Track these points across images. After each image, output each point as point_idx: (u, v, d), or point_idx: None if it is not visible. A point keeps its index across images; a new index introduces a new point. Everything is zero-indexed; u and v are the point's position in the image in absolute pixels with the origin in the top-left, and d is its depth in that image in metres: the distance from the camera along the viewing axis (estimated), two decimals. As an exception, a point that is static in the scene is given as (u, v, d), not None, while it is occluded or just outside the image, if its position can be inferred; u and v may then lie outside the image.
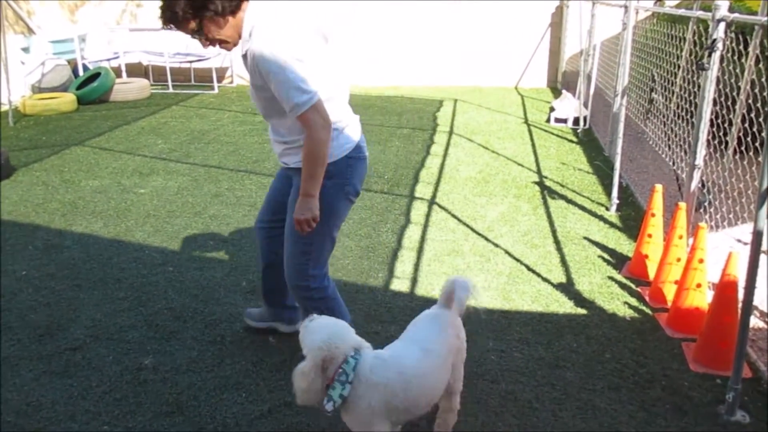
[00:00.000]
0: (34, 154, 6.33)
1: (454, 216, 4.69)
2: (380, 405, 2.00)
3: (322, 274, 2.63)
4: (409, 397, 2.06)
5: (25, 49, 9.20)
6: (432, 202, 4.99)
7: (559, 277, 3.74)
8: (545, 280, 3.70)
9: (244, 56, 2.36)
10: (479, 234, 4.37)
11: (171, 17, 2.29)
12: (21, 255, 4.01)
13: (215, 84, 10.14)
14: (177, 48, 10.29)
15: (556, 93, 9.57)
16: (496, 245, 4.19)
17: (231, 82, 10.88)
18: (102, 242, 4.23)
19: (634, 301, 3.46)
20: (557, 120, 7.71)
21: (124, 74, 10.06)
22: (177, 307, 3.38)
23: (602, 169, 5.82)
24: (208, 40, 2.39)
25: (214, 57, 10.25)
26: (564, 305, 3.42)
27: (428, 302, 3.42)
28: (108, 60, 10.07)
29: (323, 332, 2.01)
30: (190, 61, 10.24)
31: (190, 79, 10.75)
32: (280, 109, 2.35)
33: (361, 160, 2.55)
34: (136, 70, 10.58)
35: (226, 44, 2.41)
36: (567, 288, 3.61)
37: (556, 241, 4.24)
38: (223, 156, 6.30)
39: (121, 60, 10.09)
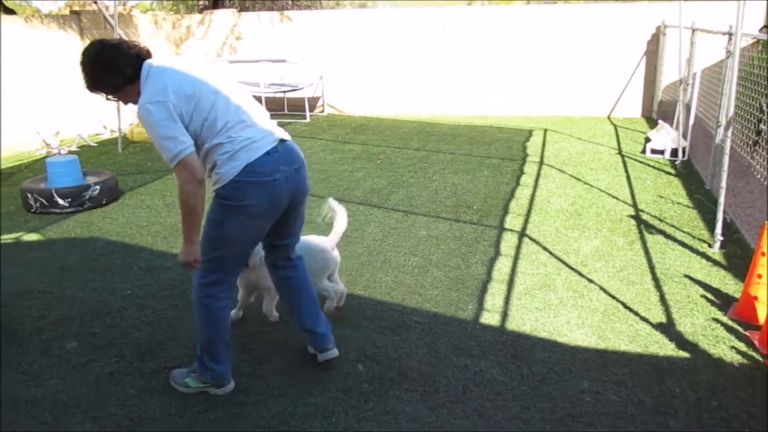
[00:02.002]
0: (140, 179, 6.71)
1: (545, 249, 4.58)
2: None
3: (211, 284, 2.79)
4: None
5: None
6: (522, 234, 4.90)
7: (659, 316, 3.57)
8: (644, 319, 3.54)
9: None
10: (572, 268, 4.24)
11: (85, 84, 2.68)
12: (126, 274, 4.24)
13: (307, 113, 10.46)
14: (272, 79, 10.73)
15: (652, 123, 9.24)
16: (590, 281, 4.05)
17: (322, 111, 11.19)
18: (200, 265, 4.40)
19: (742, 346, 3.24)
20: (653, 151, 7.43)
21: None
22: (269, 332, 3.46)
23: (703, 203, 5.54)
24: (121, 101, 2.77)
25: (306, 87, 10.59)
26: (665, 347, 3.25)
27: (520, 338, 3.35)
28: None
29: None
30: (284, 91, 10.62)
31: (283, 108, 11.13)
32: None
33: (254, 183, 2.65)
34: (233, 100, 11.07)
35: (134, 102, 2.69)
36: (667, 329, 3.43)
37: (655, 279, 4.06)
38: (313, 183, 6.44)
39: (220, 90, 10.58)
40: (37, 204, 5.58)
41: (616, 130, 9.04)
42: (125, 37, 2.80)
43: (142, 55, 2.68)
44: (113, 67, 2.61)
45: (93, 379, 3.02)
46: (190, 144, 2.56)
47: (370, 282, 4.08)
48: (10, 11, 11.18)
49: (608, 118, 10.17)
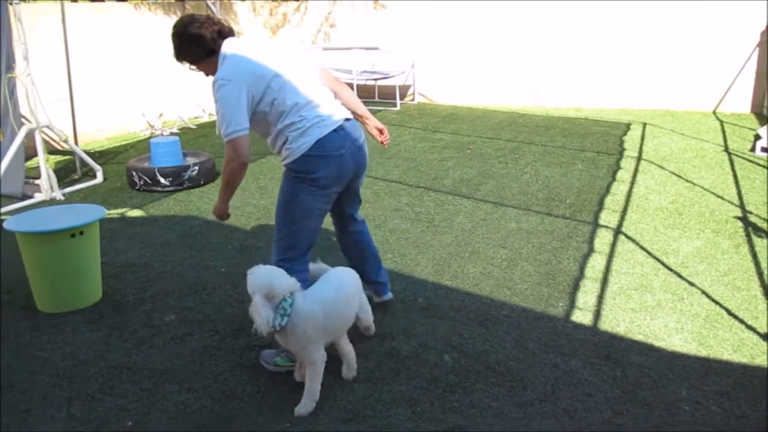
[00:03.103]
0: (235, 161, 6.92)
1: (642, 248, 4.38)
2: (311, 330, 2.62)
3: (288, 259, 2.96)
4: (329, 321, 2.71)
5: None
6: (618, 231, 4.71)
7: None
8: (750, 328, 3.32)
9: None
10: (671, 270, 4.03)
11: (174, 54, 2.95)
12: (221, 253, 4.39)
13: (398, 101, 10.47)
14: (364, 66, 10.80)
15: (762, 119, 8.65)
16: (691, 284, 3.84)
17: (413, 100, 11.16)
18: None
19: None
20: (764, 149, 6.94)
21: (314, 90, 10.71)
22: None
23: (821, 207, 5.14)
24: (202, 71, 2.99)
25: (398, 75, 10.59)
26: (773, 359, 3.04)
27: (613, 339, 3.23)
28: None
29: (266, 275, 2.58)
30: (376, 79, 10.66)
31: (374, 95, 11.19)
32: (262, 124, 2.90)
33: (323, 157, 2.87)
34: (325, 86, 11.23)
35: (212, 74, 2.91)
36: (777, 340, 3.20)
37: (763, 286, 3.80)
38: (403, 171, 6.46)
39: (313, 76, 10.76)
40: (141, 182, 5.87)
41: (722, 126, 8.52)
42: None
43: (224, 32, 2.91)
44: (197, 40, 2.85)
45: (189, 352, 3.15)
46: (245, 128, 2.78)
47: (458, 272, 4.03)
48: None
49: (713, 113, 9.59)
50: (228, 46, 2.86)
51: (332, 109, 2.95)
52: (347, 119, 2.98)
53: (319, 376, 2.68)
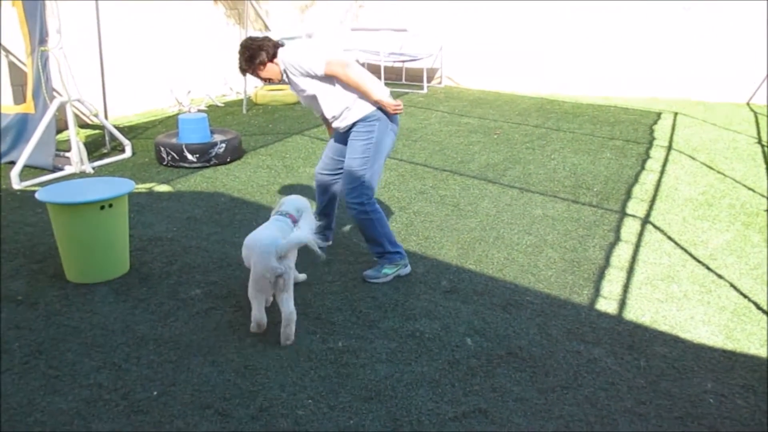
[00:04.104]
0: (261, 140, 6.96)
1: (670, 238, 4.32)
2: None
3: (371, 194, 3.60)
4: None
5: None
6: (646, 220, 4.65)
7: (797, 321, 3.28)
8: (779, 322, 3.27)
9: (287, 78, 3.63)
10: (699, 261, 3.98)
11: (240, 67, 3.65)
12: (246, 230, 4.40)
13: (425, 84, 10.40)
14: (392, 48, 10.73)
15: (800, 112, 8.44)
16: (720, 276, 3.78)
17: (440, 83, 11.08)
18: (315, 226, 4.52)
19: None
20: (800, 142, 6.78)
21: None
22: (379, 297, 3.50)
23: None
24: (262, 79, 3.67)
25: (425, 58, 10.51)
26: (802, 355, 2.98)
27: (638, 328, 3.20)
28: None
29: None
30: (403, 61, 10.59)
31: (401, 78, 11.13)
32: (328, 92, 3.56)
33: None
34: (352, 67, 11.18)
35: (272, 80, 3.66)
36: (807, 335, 3.15)
37: (794, 280, 3.73)
38: (428, 154, 6.43)
39: (340, 57, 10.72)
40: (169, 158, 5.92)
41: (756, 118, 8.33)
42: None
43: (279, 44, 3.62)
44: (261, 48, 3.55)
45: (213, 326, 3.19)
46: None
47: (482, 257, 4.02)
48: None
49: (747, 104, 9.38)
50: (285, 50, 3.60)
51: None
52: None
53: None
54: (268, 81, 3.68)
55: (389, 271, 3.67)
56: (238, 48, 3.63)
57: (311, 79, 3.56)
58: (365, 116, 3.57)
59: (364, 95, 3.53)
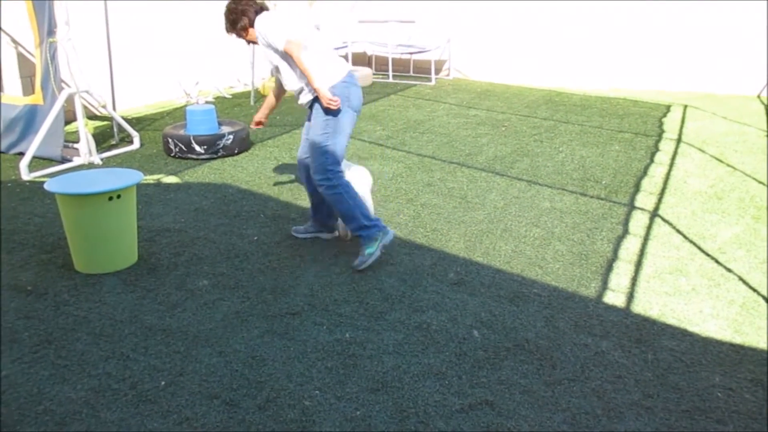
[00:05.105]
0: (269, 132, 6.96)
1: (679, 232, 4.30)
2: None
3: (337, 169, 3.66)
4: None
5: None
6: (654, 214, 4.62)
7: (807, 315, 3.26)
8: (788, 316, 3.25)
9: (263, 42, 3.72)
10: (708, 255, 3.96)
11: (225, 29, 3.81)
12: (254, 221, 4.43)
13: (433, 76, 10.37)
14: (400, 40, 10.69)
15: (811, 105, 8.37)
16: (729, 270, 3.76)
17: (448, 75, 11.05)
18: (322, 218, 4.52)
19: None
20: (811, 136, 6.72)
21: (350, 62, 10.66)
22: (386, 289, 3.50)
23: None
24: (247, 42, 3.82)
25: (433, 50, 10.47)
26: (811, 349, 2.97)
27: (645, 322, 3.19)
28: (337, 49, 10.74)
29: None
30: (411, 53, 10.56)
31: (409, 69, 11.10)
32: (288, 68, 3.68)
33: (354, 86, 3.70)
34: (360, 59, 11.17)
35: (255, 42, 3.76)
36: (816, 330, 3.13)
37: (804, 275, 3.70)
38: (436, 146, 6.41)
39: (348, 49, 10.70)
40: (177, 149, 5.93)
41: (766, 111, 8.27)
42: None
43: (263, 8, 3.73)
44: (244, 13, 3.68)
45: (221, 317, 3.20)
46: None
47: (490, 249, 4.01)
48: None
49: (758, 97, 9.31)
50: (260, 18, 3.67)
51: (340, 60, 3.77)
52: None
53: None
54: (254, 43, 3.81)
55: (372, 249, 3.66)
56: (223, 10, 3.76)
57: (273, 52, 3.69)
58: None
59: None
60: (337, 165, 3.66)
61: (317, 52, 3.63)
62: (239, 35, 3.77)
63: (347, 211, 3.66)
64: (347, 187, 3.68)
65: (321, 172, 3.65)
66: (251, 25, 3.69)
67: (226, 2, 3.76)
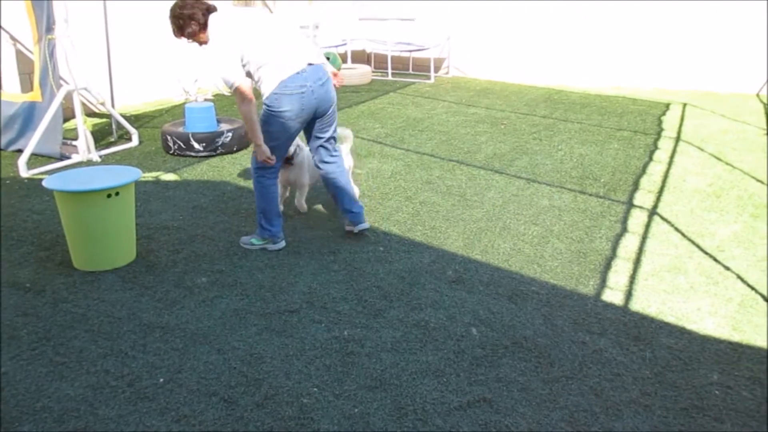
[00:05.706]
0: (268, 129, 6.94)
1: (677, 230, 4.30)
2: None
3: (259, 171, 3.78)
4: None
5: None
6: (653, 212, 4.63)
7: (805, 314, 3.26)
8: (786, 314, 3.25)
9: None
10: (706, 253, 3.96)
11: (173, 32, 3.67)
12: (252, 218, 4.42)
13: (432, 74, 10.36)
14: (399, 37, 10.69)
15: (810, 103, 8.37)
16: (727, 268, 3.76)
17: (447, 73, 11.04)
18: (321, 216, 4.52)
19: None
20: (810, 134, 6.73)
21: (349, 60, 10.65)
22: (384, 286, 3.50)
23: None
24: (199, 44, 3.69)
25: (433, 48, 10.46)
26: (809, 347, 2.97)
27: (644, 320, 3.19)
28: (336, 46, 10.74)
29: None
30: (410, 51, 10.56)
31: (408, 67, 11.10)
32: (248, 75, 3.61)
33: (286, 95, 3.55)
34: (360, 57, 11.16)
35: (205, 43, 3.65)
36: (814, 328, 3.13)
37: (802, 273, 3.71)
38: (435, 144, 6.41)
39: (347, 47, 10.70)
40: (176, 146, 5.93)
41: (765, 109, 8.27)
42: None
43: (210, 9, 3.60)
44: (191, 18, 3.54)
45: (219, 314, 3.20)
46: (243, 76, 3.50)
47: (488, 247, 4.01)
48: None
49: (757, 95, 9.31)
50: (214, 17, 3.57)
51: (296, 56, 3.59)
52: (310, 63, 3.61)
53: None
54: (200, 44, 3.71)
55: (256, 242, 3.93)
56: (167, 13, 3.60)
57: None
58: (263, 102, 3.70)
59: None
60: (259, 167, 3.78)
61: (265, 63, 3.53)
62: (191, 40, 3.63)
63: (258, 206, 3.87)
64: (264, 187, 3.83)
65: (253, 162, 3.82)
66: (203, 28, 3.57)
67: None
